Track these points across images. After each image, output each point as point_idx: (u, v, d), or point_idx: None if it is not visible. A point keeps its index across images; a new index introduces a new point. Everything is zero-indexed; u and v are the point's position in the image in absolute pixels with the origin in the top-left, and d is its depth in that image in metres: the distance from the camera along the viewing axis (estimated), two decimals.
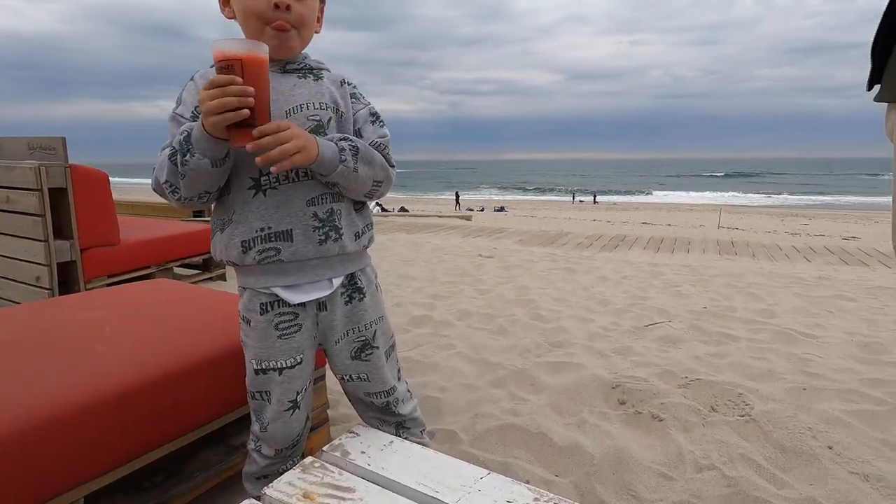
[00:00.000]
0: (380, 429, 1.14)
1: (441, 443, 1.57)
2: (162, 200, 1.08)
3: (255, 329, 1.01)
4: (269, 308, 0.99)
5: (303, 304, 1.00)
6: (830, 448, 1.49)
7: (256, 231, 0.94)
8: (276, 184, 0.94)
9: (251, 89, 0.77)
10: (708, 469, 1.41)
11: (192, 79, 1.00)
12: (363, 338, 1.08)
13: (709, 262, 4.81)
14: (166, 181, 0.91)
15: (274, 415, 1.04)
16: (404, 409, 1.18)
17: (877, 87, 0.69)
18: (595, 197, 35.82)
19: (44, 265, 2.59)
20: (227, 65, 0.78)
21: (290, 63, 1.00)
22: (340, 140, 0.96)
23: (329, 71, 1.05)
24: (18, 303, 2.69)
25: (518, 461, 1.47)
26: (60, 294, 2.63)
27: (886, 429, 1.61)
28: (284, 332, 1.00)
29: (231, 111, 0.78)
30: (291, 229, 0.95)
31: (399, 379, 1.19)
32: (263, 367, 1.02)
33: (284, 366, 1.01)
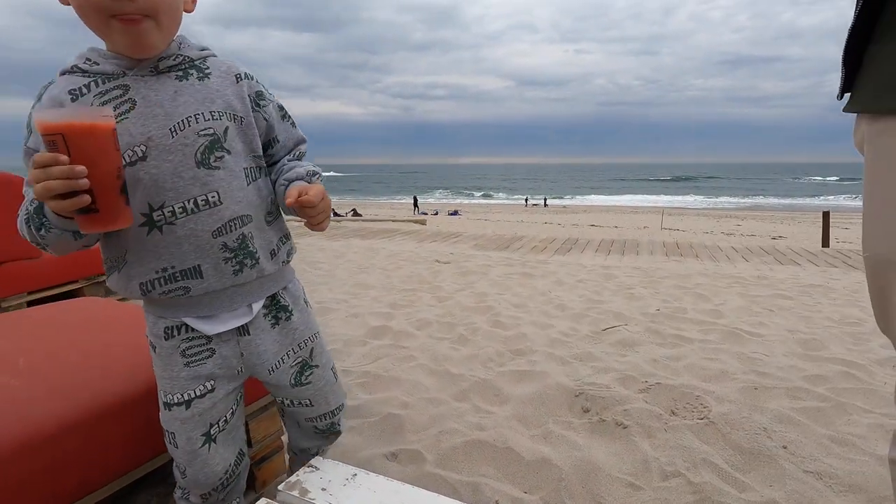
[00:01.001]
0: (311, 449, 1.10)
1: (405, 464, 1.49)
2: None
3: (160, 356, 0.90)
4: (176, 332, 0.88)
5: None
6: (785, 448, 1.53)
7: (157, 272, 0.81)
8: (173, 218, 0.79)
9: (81, 169, 0.63)
10: (673, 476, 1.42)
11: (39, 97, 0.79)
12: (300, 359, 0.98)
13: (657, 263, 4.99)
14: (33, 241, 0.78)
15: (187, 455, 0.91)
16: (343, 424, 1.13)
17: (847, 97, 0.69)
18: (545, 200, 36.74)
19: None
20: (49, 140, 0.63)
21: (161, 60, 0.81)
22: (308, 170, 0.90)
23: (216, 58, 0.87)
24: None
25: (486, 479, 1.42)
26: None
27: (831, 425, 1.69)
28: (192, 358, 0.88)
29: (64, 195, 0.63)
30: (199, 265, 0.82)
31: (343, 393, 1.12)
32: (169, 400, 0.89)
33: (193, 396, 0.89)
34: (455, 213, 22.98)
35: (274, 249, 0.92)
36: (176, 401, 0.89)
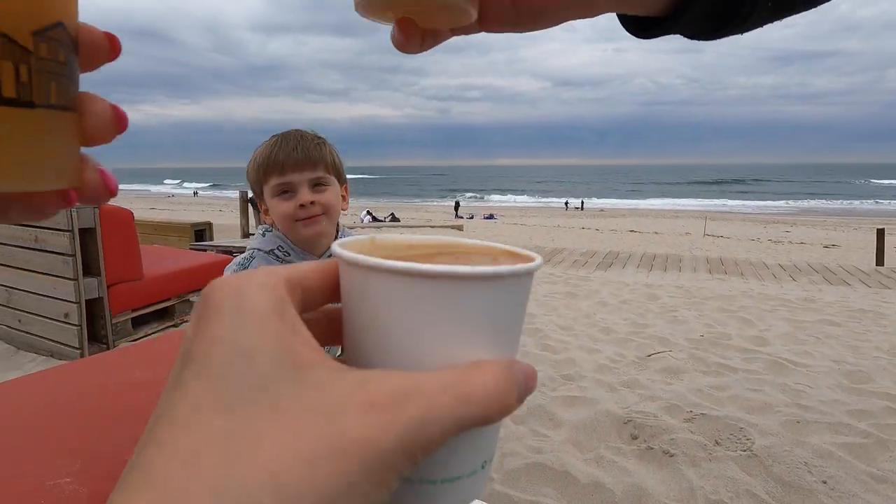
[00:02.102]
0: None
1: None
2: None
3: None
4: None
5: None
6: (825, 483, 1.66)
7: None
8: None
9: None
10: None
11: (242, 266, 1.12)
12: None
13: (701, 282, 5.03)
14: None
15: None
16: None
17: None
18: (582, 204, 36.33)
19: (73, 302, 2.68)
20: None
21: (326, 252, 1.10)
22: None
23: None
24: (46, 339, 2.77)
25: (548, 500, 1.62)
26: (88, 330, 2.72)
27: (873, 462, 1.80)
28: None
29: None
30: None
31: None
32: None
33: None
34: (491, 216, 23.12)
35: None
36: None
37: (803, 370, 2.61)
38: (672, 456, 1.83)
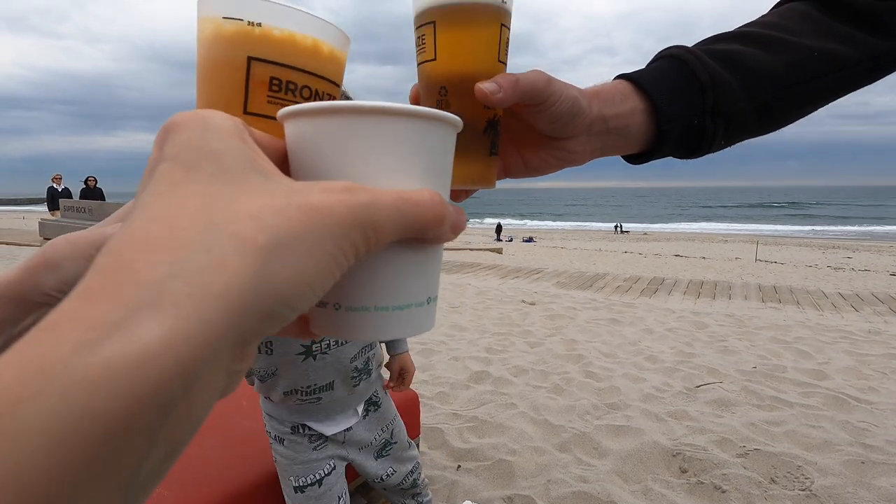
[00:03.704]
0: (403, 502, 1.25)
1: None
2: None
3: (289, 447, 1.07)
4: (301, 429, 1.07)
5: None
6: None
7: (302, 387, 1.03)
8: (327, 349, 1.03)
9: None
10: None
11: None
12: (383, 439, 1.20)
13: (752, 310, 4.84)
14: None
15: None
16: (422, 477, 1.29)
17: None
18: (621, 226, 35.50)
19: None
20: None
21: None
22: None
23: None
24: None
25: None
26: None
27: None
28: (317, 443, 1.08)
29: None
30: (333, 381, 1.05)
31: (415, 447, 1.29)
32: (301, 483, 1.05)
33: (323, 475, 1.07)
34: (530, 239, 22.95)
35: (379, 362, 1.20)
36: (309, 482, 1.05)
37: (867, 407, 2.47)
38: (724, 492, 1.78)
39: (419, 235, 0.21)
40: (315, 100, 0.29)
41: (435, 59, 0.37)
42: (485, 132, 0.39)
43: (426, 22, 0.37)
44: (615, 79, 0.46)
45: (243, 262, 0.15)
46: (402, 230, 0.20)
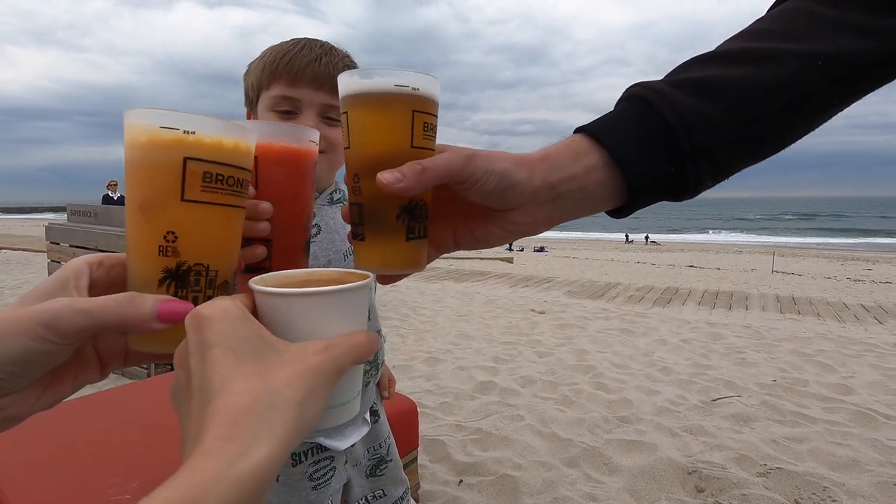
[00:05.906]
0: None
1: None
2: None
3: (285, 484, 0.86)
4: (304, 457, 0.87)
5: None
6: None
7: None
8: None
9: (266, 207, 0.44)
10: None
11: None
12: (377, 455, 1.08)
13: (771, 321, 4.67)
14: None
15: None
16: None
17: None
18: (627, 236, 35.13)
19: None
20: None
21: (333, 192, 0.91)
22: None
23: None
24: None
25: None
26: None
27: None
28: (319, 481, 0.89)
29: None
30: None
31: (405, 479, 1.16)
32: None
33: None
34: (541, 249, 22.80)
35: (383, 359, 1.07)
36: None
37: None
38: None
39: (360, 362, 0.33)
40: (237, 187, 0.37)
41: (349, 147, 0.40)
42: (398, 218, 0.39)
43: (343, 111, 0.40)
44: (574, 132, 0.41)
45: (293, 413, 0.27)
46: (351, 364, 0.31)
